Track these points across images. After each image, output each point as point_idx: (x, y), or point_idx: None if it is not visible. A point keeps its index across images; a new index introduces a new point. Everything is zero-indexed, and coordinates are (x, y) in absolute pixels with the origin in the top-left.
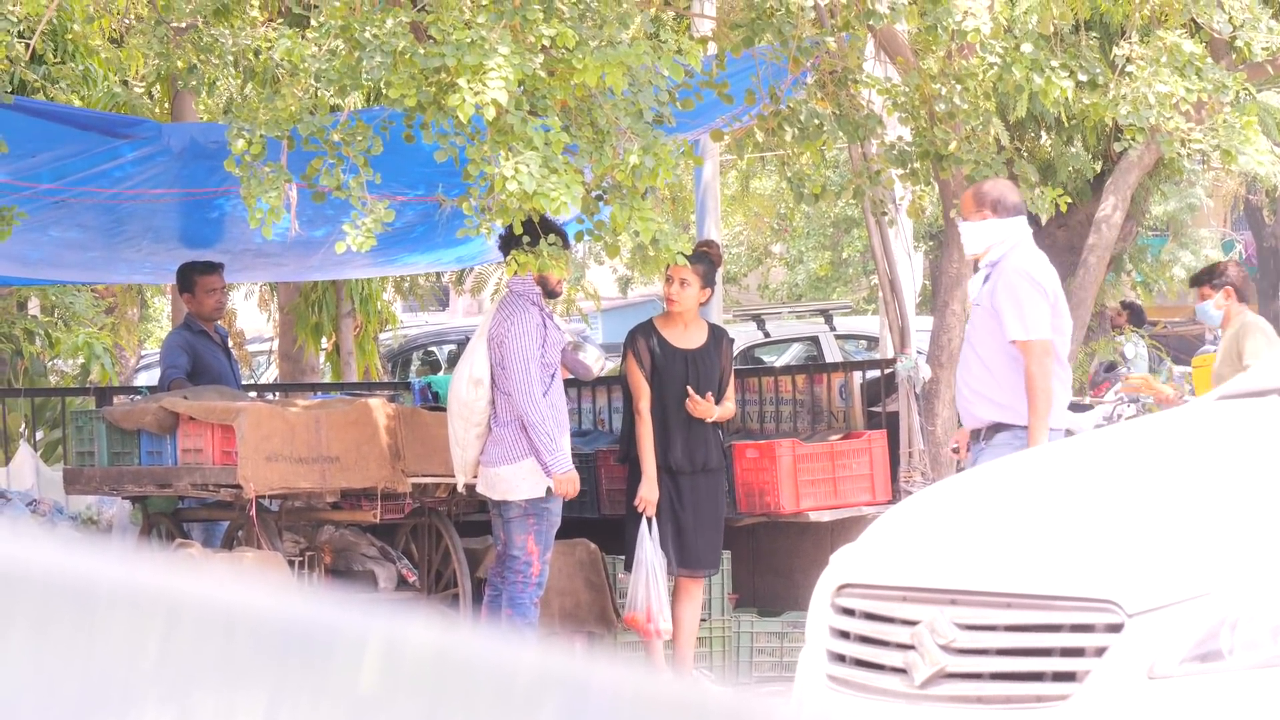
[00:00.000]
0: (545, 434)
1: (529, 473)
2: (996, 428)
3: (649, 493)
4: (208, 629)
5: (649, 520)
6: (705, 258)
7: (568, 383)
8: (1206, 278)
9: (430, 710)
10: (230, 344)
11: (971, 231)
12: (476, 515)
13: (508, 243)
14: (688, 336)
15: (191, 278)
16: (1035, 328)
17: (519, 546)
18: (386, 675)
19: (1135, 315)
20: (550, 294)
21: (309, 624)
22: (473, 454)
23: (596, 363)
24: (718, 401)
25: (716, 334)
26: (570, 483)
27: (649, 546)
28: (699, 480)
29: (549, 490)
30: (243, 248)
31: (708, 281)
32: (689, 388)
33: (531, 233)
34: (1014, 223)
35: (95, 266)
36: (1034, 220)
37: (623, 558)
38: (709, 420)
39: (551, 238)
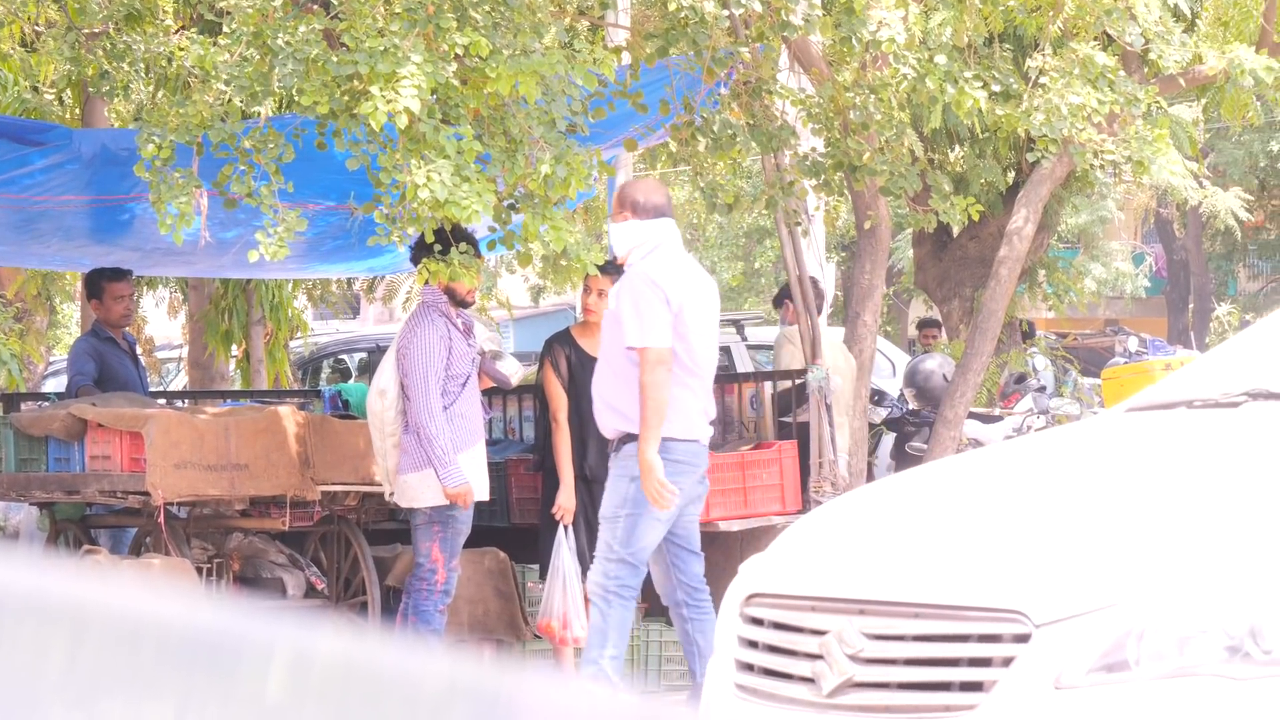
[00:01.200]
0: (439, 446)
1: (433, 480)
2: (626, 438)
3: (567, 501)
4: (115, 638)
5: (566, 528)
6: (623, 269)
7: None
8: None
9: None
10: (139, 351)
11: (614, 233)
12: (386, 523)
13: (419, 251)
14: None
15: (100, 284)
16: (651, 334)
17: (424, 554)
18: (294, 684)
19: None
20: (460, 303)
21: (216, 633)
22: (391, 463)
23: (515, 373)
24: None
25: None
26: (460, 497)
27: (565, 554)
28: None
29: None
30: (153, 246)
31: None
32: None
33: (443, 241)
34: (654, 225)
35: (3, 256)
36: (946, 231)
37: (533, 566)
38: None
39: (463, 246)
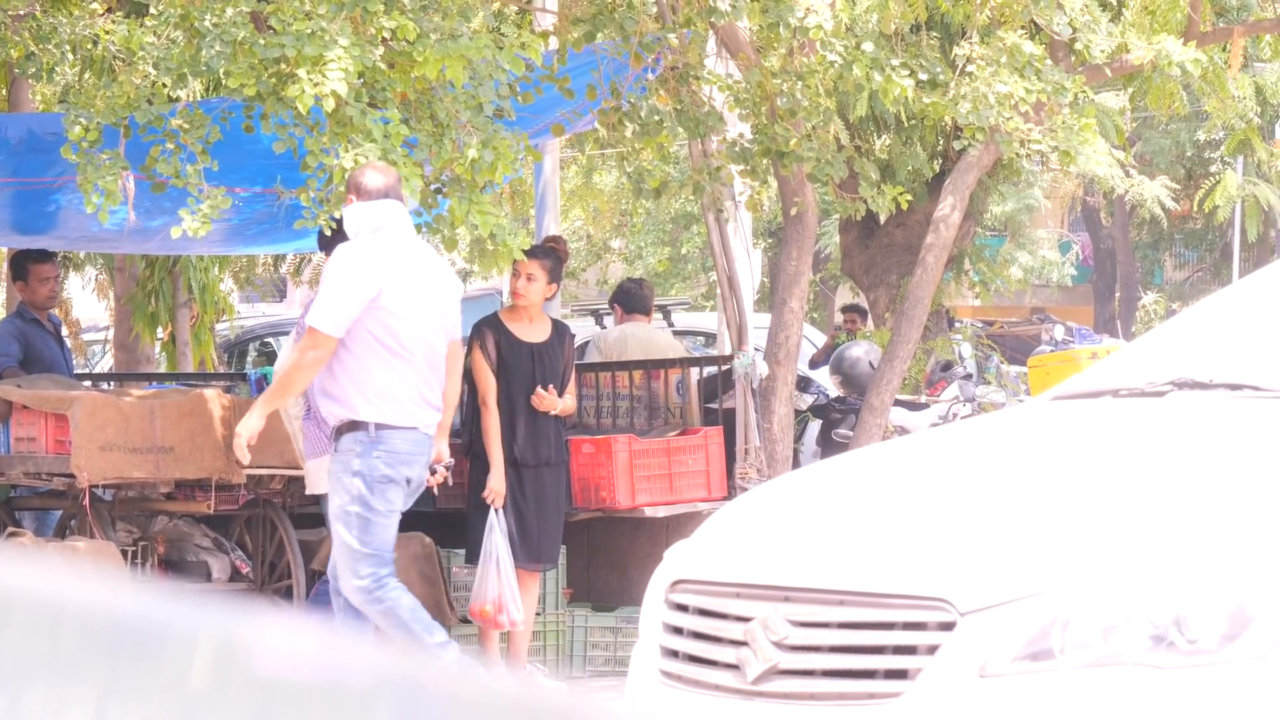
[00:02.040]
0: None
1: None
2: (347, 427)
3: (498, 484)
4: (38, 622)
5: (497, 511)
6: (552, 253)
7: None
8: None
9: (261, 709)
10: (64, 333)
11: (344, 216)
12: (311, 507)
13: (326, 240)
14: (533, 330)
15: (25, 266)
16: (325, 318)
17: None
18: (217, 673)
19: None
20: None
21: (140, 619)
22: (300, 445)
23: None
24: (560, 396)
25: (560, 329)
26: None
27: (498, 538)
28: (542, 473)
29: None
30: (78, 234)
31: (554, 277)
32: (537, 384)
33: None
34: (377, 207)
35: None
36: (872, 218)
37: (459, 551)
38: (552, 414)
39: None
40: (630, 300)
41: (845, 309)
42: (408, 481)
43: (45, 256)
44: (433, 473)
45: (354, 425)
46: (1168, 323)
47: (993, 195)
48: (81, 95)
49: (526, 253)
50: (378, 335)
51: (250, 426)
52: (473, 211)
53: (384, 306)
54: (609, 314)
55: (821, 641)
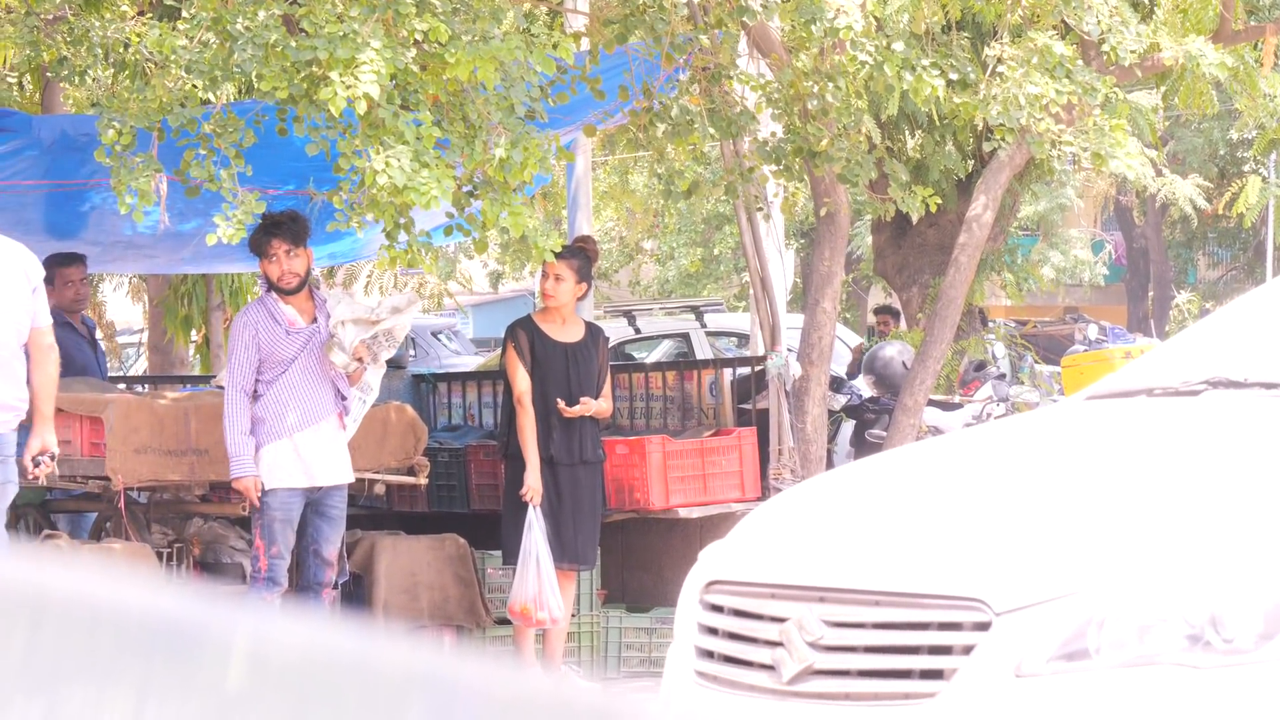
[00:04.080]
0: (229, 438)
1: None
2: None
3: (535, 481)
4: (75, 624)
5: (535, 510)
6: (581, 253)
7: (439, 377)
8: None
9: (298, 708)
10: (98, 336)
11: None
12: (348, 509)
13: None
14: (566, 331)
15: (52, 269)
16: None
17: (251, 541)
18: (254, 673)
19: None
20: (279, 290)
21: (177, 619)
22: None
23: (339, 361)
24: (596, 398)
25: (593, 331)
26: (243, 489)
27: (537, 535)
28: (578, 472)
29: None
30: (112, 239)
31: (583, 277)
32: (559, 400)
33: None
34: None
35: None
36: (905, 218)
37: (494, 553)
38: (588, 413)
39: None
40: None
41: (878, 310)
42: None
43: (72, 260)
44: (36, 464)
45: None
46: (1201, 321)
47: (1025, 195)
48: (114, 99)
49: (555, 254)
50: None
51: None
52: (506, 214)
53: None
54: (644, 313)
55: (857, 642)
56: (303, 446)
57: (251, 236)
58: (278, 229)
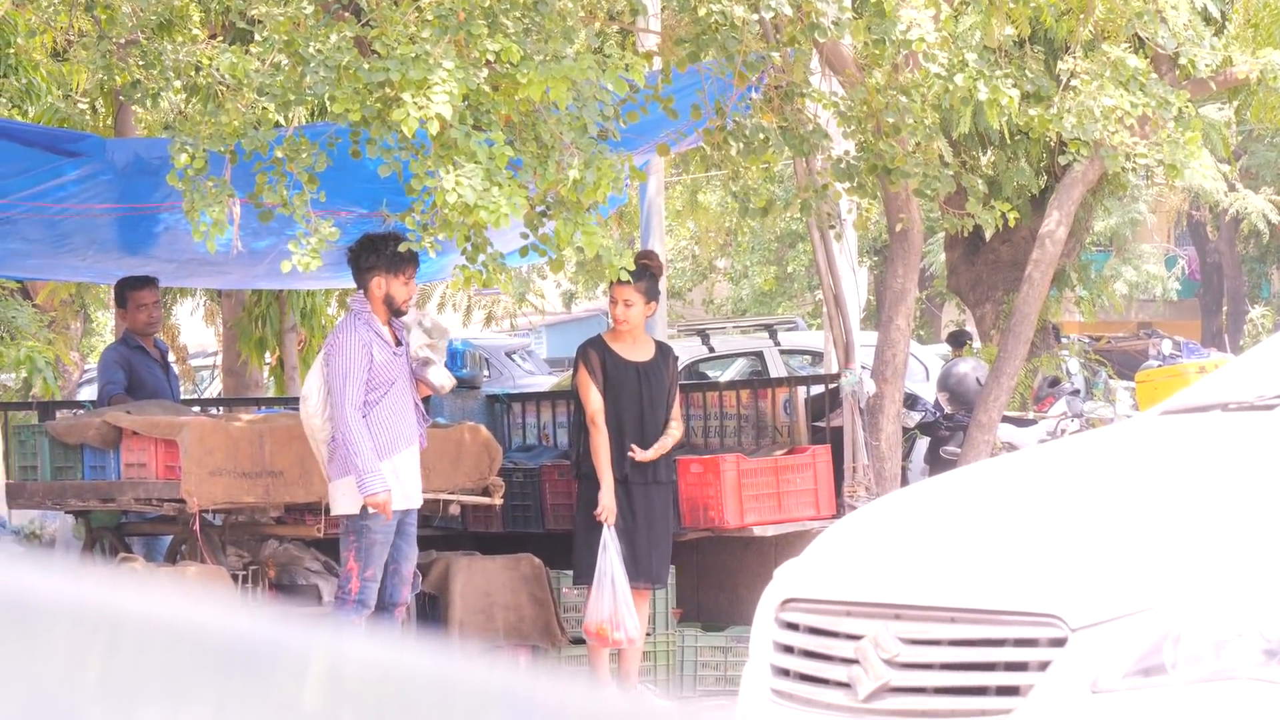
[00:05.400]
0: (354, 451)
1: (349, 489)
2: None
3: (609, 500)
4: (151, 645)
5: (609, 529)
6: (646, 272)
7: (513, 397)
8: None
9: None
10: (171, 359)
11: None
12: (421, 530)
13: (358, 258)
14: (636, 350)
15: (124, 293)
16: None
17: (342, 562)
18: (330, 692)
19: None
20: (396, 312)
21: (253, 640)
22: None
23: (446, 383)
24: (666, 418)
25: (663, 350)
26: (379, 506)
27: (612, 554)
28: (651, 491)
29: (365, 509)
30: (186, 256)
31: (651, 296)
32: (633, 446)
33: (369, 250)
34: None
35: (38, 270)
36: (978, 235)
37: (569, 572)
38: (661, 449)
39: (492, 251)
40: None
41: (952, 339)
42: None
43: (143, 283)
44: None
45: None
46: (1276, 336)
47: (1098, 210)
48: (186, 122)
49: (622, 281)
50: None
51: None
52: (580, 234)
53: None
54: (718, 332)
55: (933, 659)
56: (400, 468)
57: (391, 256)
58: (413, 258)
